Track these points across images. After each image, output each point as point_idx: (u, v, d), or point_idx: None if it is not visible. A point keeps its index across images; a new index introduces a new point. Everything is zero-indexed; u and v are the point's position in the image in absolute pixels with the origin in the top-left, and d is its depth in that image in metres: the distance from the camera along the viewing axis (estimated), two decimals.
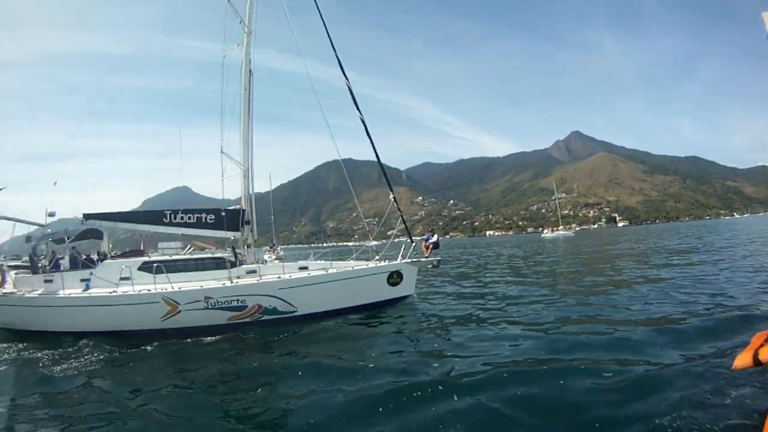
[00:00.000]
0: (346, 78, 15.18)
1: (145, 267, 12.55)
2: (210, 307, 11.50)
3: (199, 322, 11.45)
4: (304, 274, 13.28)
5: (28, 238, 14.53)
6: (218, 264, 13.31)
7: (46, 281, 12.88)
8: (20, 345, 11.13)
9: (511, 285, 18.34)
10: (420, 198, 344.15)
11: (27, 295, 12.39)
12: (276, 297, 12.10)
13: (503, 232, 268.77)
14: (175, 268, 12.62)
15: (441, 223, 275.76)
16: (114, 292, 11.77)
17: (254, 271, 13.20)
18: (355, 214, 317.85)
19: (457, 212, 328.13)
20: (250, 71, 15.55)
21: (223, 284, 11.96)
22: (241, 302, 11.77)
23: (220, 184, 14.79)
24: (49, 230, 14.83)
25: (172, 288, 11.56)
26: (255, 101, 15.72)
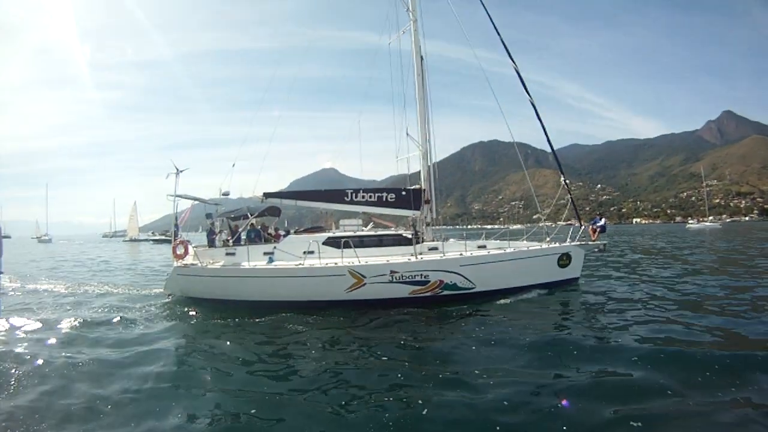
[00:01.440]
0: (514, 62, 14.45)
1: (331, 242, 12.98)
2: (394, 280, 11.64)
3: (381, 295, 11.63)
4: (483, 252, 12.94)
5: (208, 215, 14.97)
6: (399, 241, 13.53)
7: (228, 254, 13.31)
8: (205, 312, 11.44)
9: (671, 273, 17.48)
10: (567, 181, 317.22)
11: (210, 266, 12.73)
12: (457, 273, 11.92)
13: (650, 220, 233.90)
14: (359, 243, 12.83)
15: (588, 208, 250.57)
16: (300, 264, 12.04)
17: (436, 248, 13.16)
18: (501, 197, 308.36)
19: (604, 197, 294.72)
20: (422, 57, 15.35)
21: (408, 259, 12.07)
22: (425, 277, 11.76)
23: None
24: (223, 208, 15.40)
25: (359, 262, 11.78)
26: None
